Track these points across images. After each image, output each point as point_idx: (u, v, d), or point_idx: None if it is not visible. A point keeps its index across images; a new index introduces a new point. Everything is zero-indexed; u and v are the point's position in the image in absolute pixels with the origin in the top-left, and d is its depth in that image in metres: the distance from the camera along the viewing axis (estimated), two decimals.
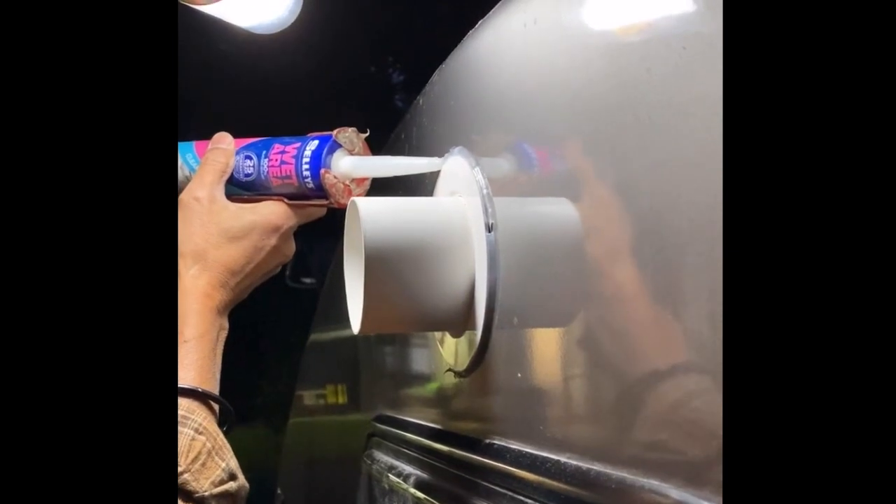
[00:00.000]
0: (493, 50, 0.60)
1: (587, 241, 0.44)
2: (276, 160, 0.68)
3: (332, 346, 1.62)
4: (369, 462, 0.95)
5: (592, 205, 0.43)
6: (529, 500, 0.49)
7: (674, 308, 0.35)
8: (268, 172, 0.69)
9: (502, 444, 0.56)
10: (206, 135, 0.73)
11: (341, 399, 1.55)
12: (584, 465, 0.43)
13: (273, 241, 0.67)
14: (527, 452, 0.51)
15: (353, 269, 0.64)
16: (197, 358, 0.63)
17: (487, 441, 0.58)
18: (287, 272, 2.46)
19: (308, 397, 2.00)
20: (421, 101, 0.79)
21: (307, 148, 0.67)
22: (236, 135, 0.72)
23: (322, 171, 0.65)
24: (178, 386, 0.61)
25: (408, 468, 0.77)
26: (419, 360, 0.83)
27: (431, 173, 0.70)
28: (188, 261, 0.66)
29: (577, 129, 0.45)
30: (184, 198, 0.68)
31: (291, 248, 0.70)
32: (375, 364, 1.12)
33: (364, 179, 0.67)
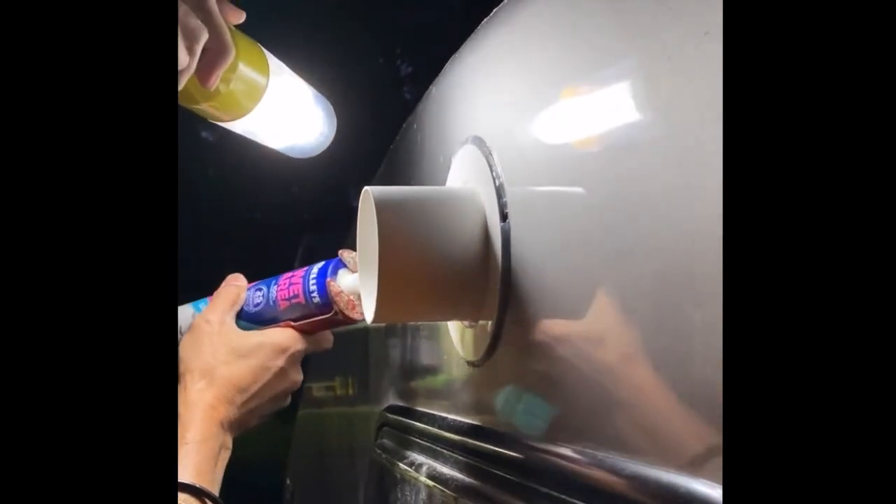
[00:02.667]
0: (508, 37, 0.60)
1: (604, 231, 0.44)
2: (285, 284, 0.73)
3: (340, 339, 1.62)
4: (380, 452, 0.96)
5: (610, 194, 0.43)
6: (543, 489, 0.49)
7: (692, 299, 0.35)
8: (276, 297, 0.73)
9: (514, 433, 0.56)
10: None
11: (351, 391, 1.55)
12: (599, 453, 0.43)
13: (280, 362, 0.70)
14: (539, 442, 0.51)
15: (365, 261, 0.64)
16: (196, 460, 0.65)
17: (500, 431, 0.58)
18: (296, 265, 2.46)
19: (317, 389, 2.01)
20: (433, 91, 0.79)
21: (314, 268, 0.72)
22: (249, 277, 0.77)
23: (327, 280, 0.70)
24: (178, 480, 0.63)
25: (420, 458, 0.77)
26: (430, 351, 0.83)
27: (443, 164, 0.70)
28: (196, 375, 0.68)
29: (595, 117, 0.45)
30: (196, 321, 0.72)
31: (299, 374, 0.73)
32: (385, 356, 1.12)
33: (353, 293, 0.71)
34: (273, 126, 0.81)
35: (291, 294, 0.72)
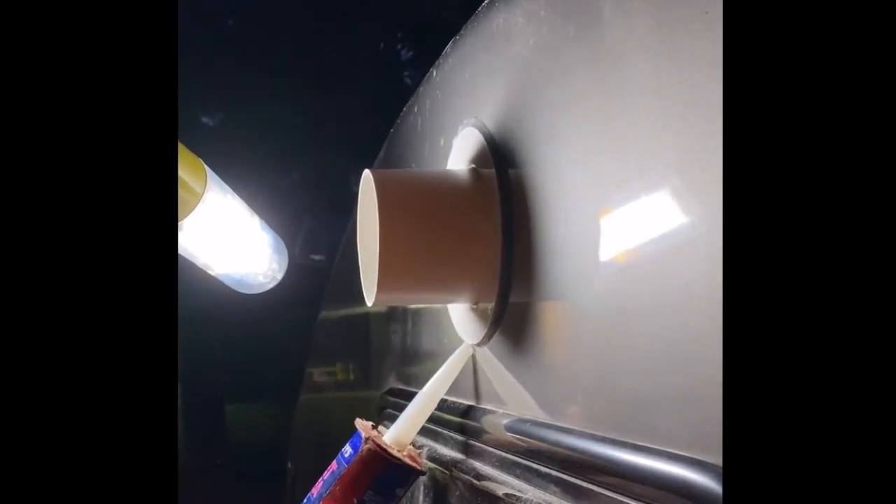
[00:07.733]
0: (510, 19, 0.59)
1: (604, 212, 0.44)
2: (319, 481, 0.67)
3: (342, 324, 1.63)
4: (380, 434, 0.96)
5: (612, 176, 0.43)
6: (544, 468, 0.49)
7: (692, 288, 0.35)
8: (312, 492, 0.67)
9: (514, 414, 0.56)
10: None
11: (352, 375, 1.56)
12: (598, 434, 0.43)
13: None
14: (539, 423, 0.51)
15: (367, 244, 0.64)
16: None
17: (500, 412, 0.59)
18: (296, 250, 2.46)
19: (318, 374, 2.02)
20: (434, 74, 0.78)
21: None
22: None
23: (355, 422, 0.66)
24: None
25: (420, 439, 0.77)
26: (431, 335, 0.83)
27: (445, 147, 0.70)
28: None
29: (598, 98, 0.45)
30: None
31: None
32: (386, 340, 1.12)
33: (402, 449, 0.67)
34: (209, 245, 0.77)
35: (326, 475, 0.66)
